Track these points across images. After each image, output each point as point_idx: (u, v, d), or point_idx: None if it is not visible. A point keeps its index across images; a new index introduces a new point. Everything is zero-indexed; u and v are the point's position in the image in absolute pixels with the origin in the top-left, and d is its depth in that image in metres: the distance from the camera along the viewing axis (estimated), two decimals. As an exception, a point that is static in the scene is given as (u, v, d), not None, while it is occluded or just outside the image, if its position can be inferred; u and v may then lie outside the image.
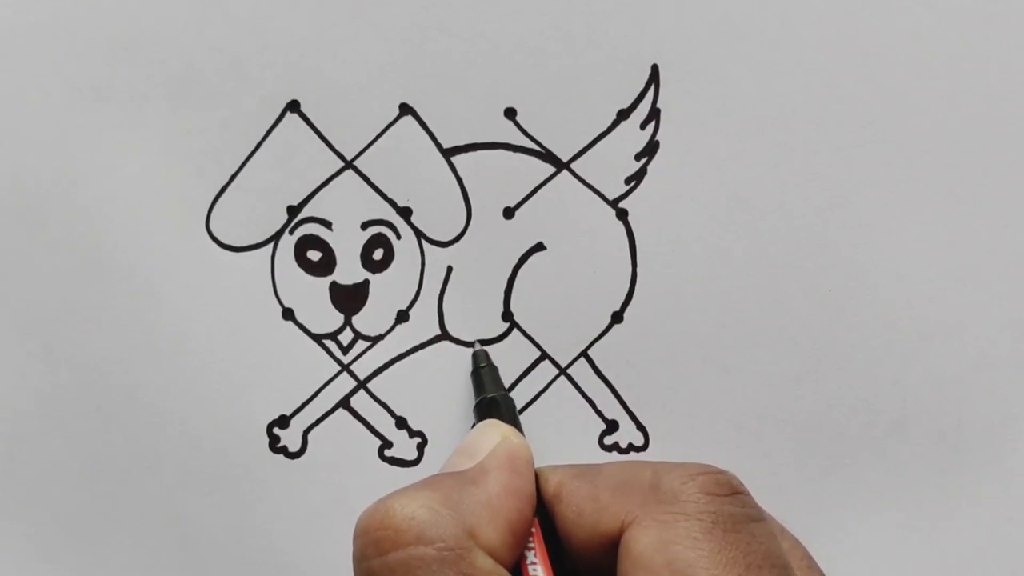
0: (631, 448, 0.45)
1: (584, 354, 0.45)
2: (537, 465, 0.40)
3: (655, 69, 0.45)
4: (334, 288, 0.45)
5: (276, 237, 0.45)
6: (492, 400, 0.43)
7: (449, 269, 0.45)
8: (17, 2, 0.44)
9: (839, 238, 0.45)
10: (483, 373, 0.44)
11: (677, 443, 0.45)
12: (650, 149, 0.45)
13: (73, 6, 0.44)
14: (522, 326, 0.45)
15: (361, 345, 0.45)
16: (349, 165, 0.45)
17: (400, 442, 0.45)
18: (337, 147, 0.45)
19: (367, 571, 0.35)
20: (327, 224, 0.45)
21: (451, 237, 0.45)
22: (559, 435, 0.45)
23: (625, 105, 0.45)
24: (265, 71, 0.44)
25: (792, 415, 0.45)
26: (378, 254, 0.45)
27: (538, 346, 0.45)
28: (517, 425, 0.42)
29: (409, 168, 0.45)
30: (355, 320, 0.45)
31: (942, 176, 0.45)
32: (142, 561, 0.45)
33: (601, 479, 0.38)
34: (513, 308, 0.45)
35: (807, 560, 0.39)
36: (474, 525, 0.36)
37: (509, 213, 0.45)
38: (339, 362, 0.45)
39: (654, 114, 0.45)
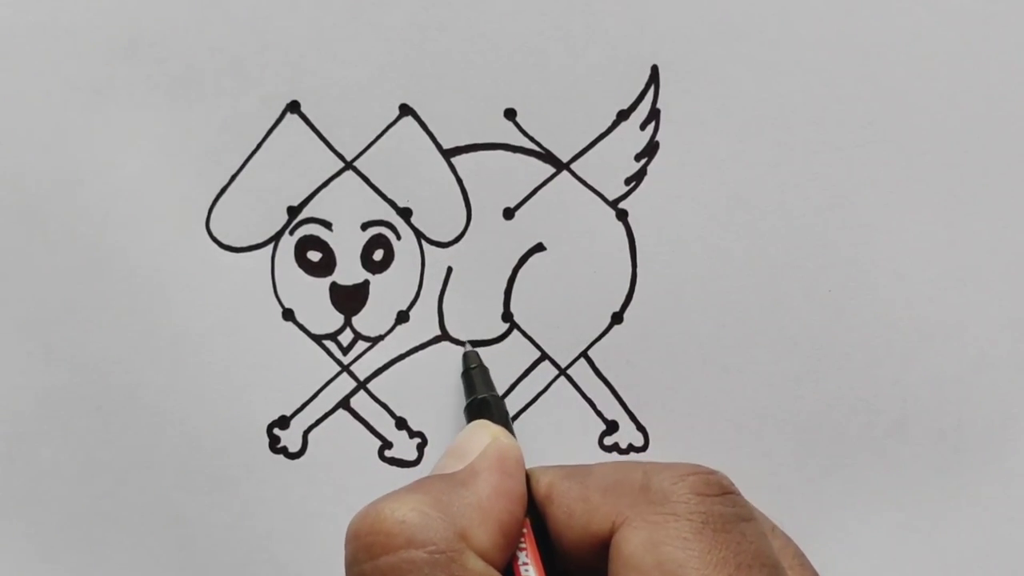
0: (631, 448, 0.45)
1: (584, 354, 0.45)
2: (532, 465, 0.40)
3: (655, 69, 0.44)
4: (334, 288, 0.45)
5: (276, 237, 0.45)
6: (483, 401, 0.43)
7: (449, 270, 0.45)
8: (17, 2, 0.44)
9: (839, 238, 0.45)
10: (474, 374, 0.44)
11: (677, 443, 0.45)
12: (650, 149, 0.45)
13: (73, 6, 0.44)
14: (522, 327, 0.45)
15: (361, 346, 0.45)
16: (349, 166, 0.45)
17: (400, 442, 0.45)
18: (337, 147, 0.45)
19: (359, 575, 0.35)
20: (327, 225, 0.45)
21: (451, 238, 0.45)
22: (559, 436, 0.45)
23: (625, 105, 0.45)
24: (265, 71, 0.44)
25: (792, 415, 0.45)
26: (378, 255, 0.45)
27: (538, 347, 0.45)
28: (508, 426, 0.42)
29: (409, 169, 0.45)
30: (355, 321, 0.45)
31: (942, 176, 0.45)
32: (142, 561, 0.45)
33: (592, 480, 0.38)
34: (513, 309, 0.45)
35: (799, 559, 0.39)
36: (465, 527, 0.36)
37: (509, 214, 0.45)
38: (339, 362, 0.45)
39: (654, 114, 0.45)
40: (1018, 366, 0.45)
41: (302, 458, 0.45)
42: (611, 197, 0.45)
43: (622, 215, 0.45)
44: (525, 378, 0.45)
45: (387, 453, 0.45)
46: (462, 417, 0.44)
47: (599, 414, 0.45)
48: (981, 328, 0.45)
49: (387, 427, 0.45)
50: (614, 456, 0.45)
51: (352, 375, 0.45)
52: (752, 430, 0.45)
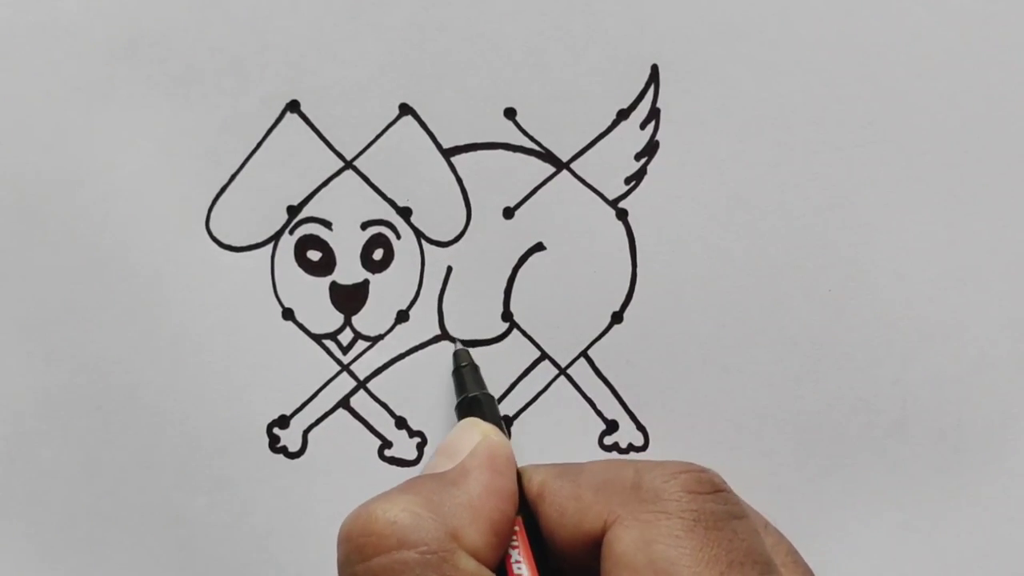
0: (631, 448, 0.45)
1: (584, 354, 0.45)
2: (528, 464, 0.40)
3: (655, 69, 0.45)
4: (334, 288, 0.45)
5: (276, 237, 0.45)
6: (473, 399, 0.43)
7: (449, 269, 0.45)
8: (17, 2, 0.44)
9: (839, 238, 0.45)
10: (464, 372, 0.44)
11: (677, 443, 0.45)
12: (650, 149, 0.45)
13: (73, 6, 0.44)
14: (522, 326, 0.45)
15: (361, 345, 0.45)
16: (349, 165, 0.45)
17: (400, 442, 0.45)
18: (337, 147, 0.45)
19: None
20: (327, 224, 0.45)
21: (451, 237, 0.45)
22: (559, 435, 0.45)
23: (625, 105, 0.45)
24: (265, 71, 0.44)
25: (792, 415, 0.45)
26: (378, 254, 0.45)
27: (538, 346, 0.45)
28: (499, 424, 0.42)
29: (409, 168, 0.45)
30: (355, 320, 0.45)
31: (942, 176, 0.45)
32: (142, 561, 0.45)
33: (583, 478, 0.38)
34: (513, 308, 0.45)
35: (792, 555, 0.39)
36: (456, 527, 0.36)
37: (509, 213, 0.45)
38: (339, 362, 0.45)
39: (654, 114, 0.45)
40: (1018, 366, 0.45)
41: (302, 458, 0.45)
42: (611, 196, 0.45)
43: (622, 215, 0.45)
44: (525, 378, 0.45)
45: (387, 452, 0.45)
46: (454, 415, 0.44)
47: (599, 414, 0.45)
48: (981, 328, 0.45)
49: (387, 426, 0.45)
50: (614, 455, 0.45)
51: (352, 374, 0.45)
52: (752, 430, 0.45)
